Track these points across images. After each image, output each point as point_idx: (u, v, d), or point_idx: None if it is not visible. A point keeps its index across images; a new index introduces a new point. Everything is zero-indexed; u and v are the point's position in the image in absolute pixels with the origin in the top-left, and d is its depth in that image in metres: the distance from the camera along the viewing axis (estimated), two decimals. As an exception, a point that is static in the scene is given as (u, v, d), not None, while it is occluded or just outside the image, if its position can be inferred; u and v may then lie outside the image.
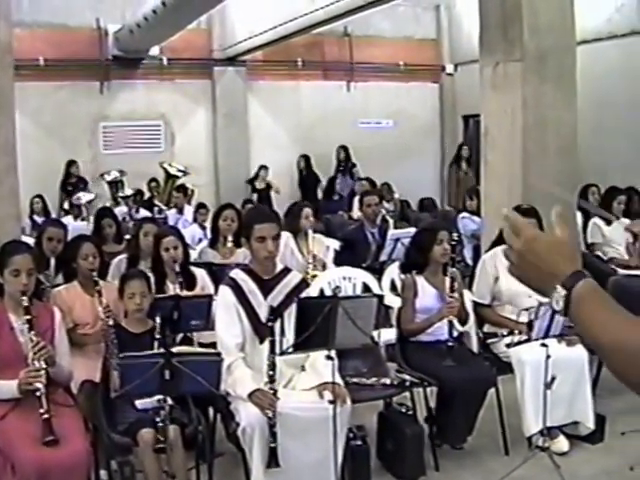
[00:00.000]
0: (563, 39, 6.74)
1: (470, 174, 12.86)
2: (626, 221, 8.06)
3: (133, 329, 4.63)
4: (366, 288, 6.36)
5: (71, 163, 12.99)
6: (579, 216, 8.19)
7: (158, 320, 4.45)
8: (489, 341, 5.60)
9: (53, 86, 13.02)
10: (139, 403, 4.22)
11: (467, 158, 13.56)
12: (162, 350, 4.05)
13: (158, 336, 4.38)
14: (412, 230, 6.94)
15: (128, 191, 11.28)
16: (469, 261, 9.22)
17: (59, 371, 4.23)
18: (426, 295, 5.34)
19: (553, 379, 4.76)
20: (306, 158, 14.58)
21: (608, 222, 8.08)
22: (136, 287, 4.71)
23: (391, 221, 8.45)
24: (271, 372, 4.17)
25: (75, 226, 8.96)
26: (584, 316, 1.48)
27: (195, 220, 9.99)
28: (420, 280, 5.39)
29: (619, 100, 11.28)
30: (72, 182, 12.80)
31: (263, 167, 13.99)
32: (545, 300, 4.84)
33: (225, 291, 4.54)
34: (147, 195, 12.48)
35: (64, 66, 13.03)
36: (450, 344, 5.08)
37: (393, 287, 6.50)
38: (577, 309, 1.49)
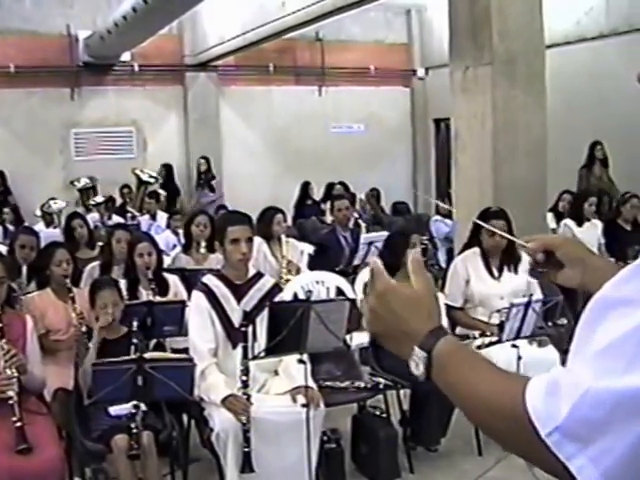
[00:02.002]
0: (532, 43, 6.80)
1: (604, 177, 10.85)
2: (597, 223, 8.16)
3: (105, 335, 4.62)
4: (339, 292, 6.38)
5: None
6: (550, 217, 8.28)
7: (135, 324, 4.43)
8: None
9: (24, 93, 12.93)
10: (113, 410, 4.22)
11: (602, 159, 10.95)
12: (134, 356, 4.05)
13: (135, 341, 4.36)
14: (384, 234, 6.97)
15: (99, 198, 11.19)
16: (443, 264, 9.29)
17: (31, 379, 4.21)
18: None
19: (525, 380, 4.80)
20: (167, 168, 13.72)
21: (579, 223, 8.15)
22: (107, 297, 4.69)
23: (363, 225, 8.49)
24: (244, 377, 4.18)
25: (47, 233, 8.88)
26: (450, 379, 1.28)
27: (169, 226, 9.96)
28: (393, 283, 5.42)
29: (588, 102, 11.38)
30: None
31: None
32: (517, 301, 4.87)
33: (198, 296, 4.54)
34: (119, 202, 12.42)
35: (35, 73, 12.94)
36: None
37: (366, 291, 6.51)
38: (441, 372, 1.29)
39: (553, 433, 1.05)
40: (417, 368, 1.31)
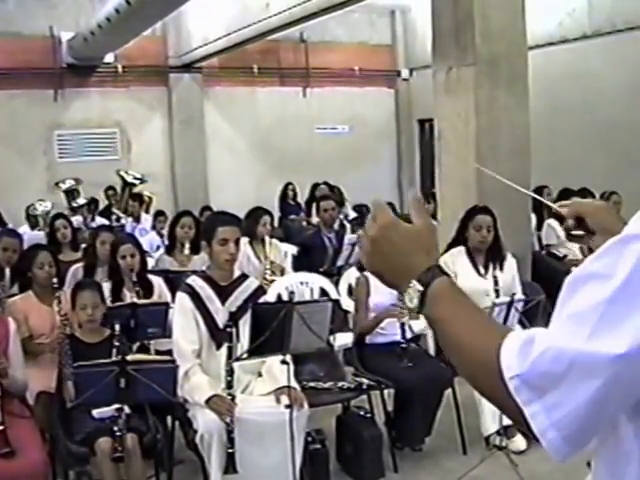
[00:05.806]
0: (515, 44, 6.82)
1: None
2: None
3: (87, 339, 4.61)
4: (323, 293, 6.39)
5: None
6: (533, 217, 8.29)
7: (117, 328, 4.42)
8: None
9: (7, 95, 12.86)
10: (96, 412, 4.20)
11: None
12: (116, 358, 4.03)
13: (117, 343, 4.35)
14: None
15: (81, 200, 11.12)
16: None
17: (13, 382, 4.20)
18: (379, 293, 5.37)
19: (509, 378, 4.81)
20: None
21: (562, 222, 8.17)
22: (87, 298, 4.68)
23: (348, 226, 8.49)
24: (229, 378, 4.17)
25: (31, 236, 8.85)
26: (441, 315, 1.33)
27: (154, 227, 9.94)
28: (373, 278, 5.43)
29: (571, 103, 11.44)
30: None
31: None
32: (499, 300, 4.88)
33: (182, 297, 4.53)
34: (104, 203, 12.36)
35: (18, 74, 12.87)
36: (404, 345, 5.13)
37: (350, 291, 6.53)
38: (434, 307, 1.34)
39: (514, 378, 1.15)
40: (411, 301, 1.37)
